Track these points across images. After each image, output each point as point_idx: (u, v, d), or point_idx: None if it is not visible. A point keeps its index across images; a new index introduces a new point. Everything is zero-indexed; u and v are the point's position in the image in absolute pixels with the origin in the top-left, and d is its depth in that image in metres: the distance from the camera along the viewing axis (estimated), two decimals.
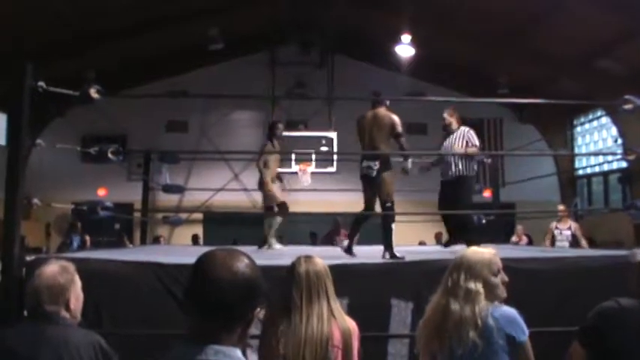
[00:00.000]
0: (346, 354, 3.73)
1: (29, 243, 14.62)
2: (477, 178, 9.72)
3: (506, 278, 3.69)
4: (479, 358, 3.46)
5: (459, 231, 8.69)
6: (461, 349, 3.49)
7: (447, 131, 8.97)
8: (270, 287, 2.10)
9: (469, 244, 7.40)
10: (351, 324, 3.82)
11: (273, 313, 3.77)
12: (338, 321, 3.75)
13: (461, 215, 8.43)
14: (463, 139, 8.76)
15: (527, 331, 3.55)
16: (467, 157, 8.69)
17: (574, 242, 12.17)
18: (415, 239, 14.68)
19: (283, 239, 17.37)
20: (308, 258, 3.92)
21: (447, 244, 9.13)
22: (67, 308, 3.28)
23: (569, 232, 12.32)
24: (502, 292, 3.65)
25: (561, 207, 13.98)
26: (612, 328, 3.56)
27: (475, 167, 9.01)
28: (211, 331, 1.96)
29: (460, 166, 8.73)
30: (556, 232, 12.46)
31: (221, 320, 1.98)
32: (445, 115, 8.96)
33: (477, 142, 8.88)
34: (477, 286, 3.59)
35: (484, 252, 3.76)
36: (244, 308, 2.01)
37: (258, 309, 2.04)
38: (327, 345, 3.66)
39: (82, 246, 14.88)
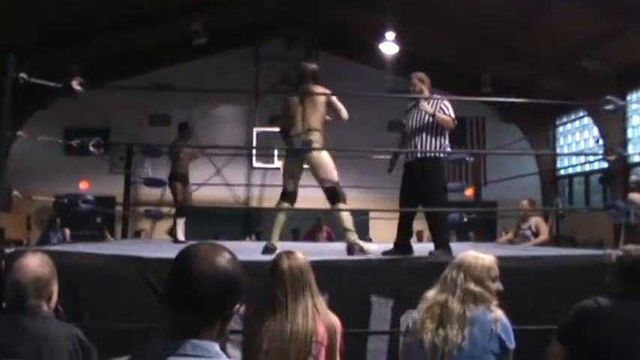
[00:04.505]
0: (330, 350, 3.74)
1: (10, 235, 14.53)
2: (450, 165, 7.45)
3: (501, 287, 3.76)
4: (470, 357, 3.52)
5: (431, 230, 7.17)
6: (454, 346, 3.53)
7: (416, 101, 7.18)
8: (252, 283, 2.10)
9: (438, 246, 6.74)
10: (335, 320, 3.83)
11: (257, 309, 3.76)
12: (322, 317, 3.75)
13: (432, 210, 6.93)
14: (435, 108, 6.96)
15: (514, 341, 3.64)
16: (437, 131, 6.96)
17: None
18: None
19: (262, 235, 17.43)
20: (290, 253, 3.90)
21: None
22: (49, 301, 3.28)
23: (529, 232, 10.35)
24: (495, 299, 3.71)
25: (525, 203, 10.81)
26: (591, 326, 3.60)
27: (446, 145, 7.10)
28: (191, 325, 1.96)
29: (427, 143, 6.96)
30: (520, 232, 10.55)
31: (201, 315, 1.97)
32: (414, 80, 7.25)
33: (452, 112, 6.99)
34: (475, 288, 3.66)
35: (485, 257, 3.82)
36: (224, 303, 2.00)
37: (239, 305, 2.04)
38: (310, 341, 3.66)
39: (63, 241, 14.81)
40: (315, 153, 7.16)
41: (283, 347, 3.63)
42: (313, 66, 7.77)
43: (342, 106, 7.42)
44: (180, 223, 10.88)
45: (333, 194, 7.13)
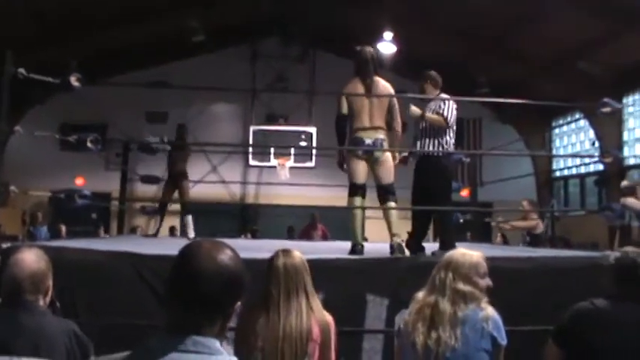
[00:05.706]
0: (324, 348, 3.75)
1: (5, 230, 14.52)
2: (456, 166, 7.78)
3: (490, 283, 3.76)
4: (463, 356, 3.53)
5: (439, 229, 7.45)
6: (447, 347, 3.53)
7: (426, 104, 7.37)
8: (250, 280, 2.10)
9: (444, 245, 6.81)
10: (328, 318, 3.85)
11: (250, 307, 3.77)
12: (316, 316, 3.76)
13: (437, 209, 7.10)
14: (432, 110, 7.20)
15: (505, 337, 3.65)
16: (436, 131, 7.09)
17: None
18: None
19: (258, 233, 17.44)
20: (286, 252, 3.91)
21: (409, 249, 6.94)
22: (45, 296, 3.27)
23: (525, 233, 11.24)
24: (485, 295, 3.71)
25: (525, 203, 11.86)
26: (587, 328, 3.61)
27: (449, 144, 7.21)
28: (192, 322, 1.95)
29: (428, 143, 7.12)
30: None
31: (202, 312, 1.97)
32: (421, 84, 7.59)
33: (447, 112, 7.12)
34: (465, 287, 3.65)
35: (472, 254, 3.82)
36: (226, 301, 2.00)
37: (239, 302, 2.04)
38: (306, 340, 3.67)
39: (57, 235, 14.76)
40: (384, 154, 6.95)
41: (276, 346, 3.64)
42: (372, 50, 7.26)
43: (398, 113, 7.08)
44: (190, 220, 11.38)
45: (387, 192, 6.94)
